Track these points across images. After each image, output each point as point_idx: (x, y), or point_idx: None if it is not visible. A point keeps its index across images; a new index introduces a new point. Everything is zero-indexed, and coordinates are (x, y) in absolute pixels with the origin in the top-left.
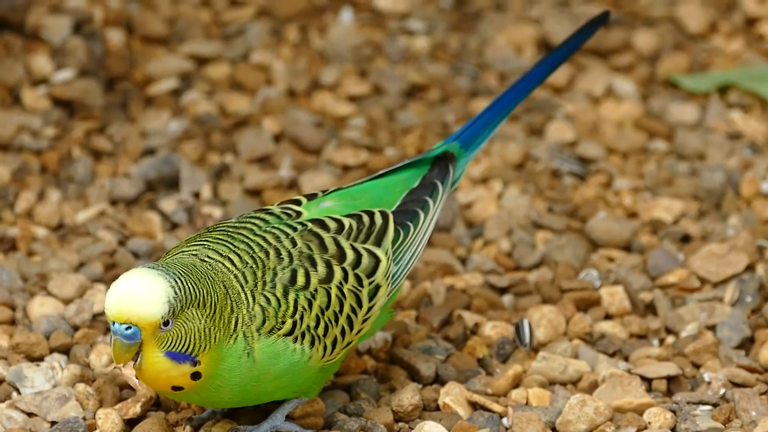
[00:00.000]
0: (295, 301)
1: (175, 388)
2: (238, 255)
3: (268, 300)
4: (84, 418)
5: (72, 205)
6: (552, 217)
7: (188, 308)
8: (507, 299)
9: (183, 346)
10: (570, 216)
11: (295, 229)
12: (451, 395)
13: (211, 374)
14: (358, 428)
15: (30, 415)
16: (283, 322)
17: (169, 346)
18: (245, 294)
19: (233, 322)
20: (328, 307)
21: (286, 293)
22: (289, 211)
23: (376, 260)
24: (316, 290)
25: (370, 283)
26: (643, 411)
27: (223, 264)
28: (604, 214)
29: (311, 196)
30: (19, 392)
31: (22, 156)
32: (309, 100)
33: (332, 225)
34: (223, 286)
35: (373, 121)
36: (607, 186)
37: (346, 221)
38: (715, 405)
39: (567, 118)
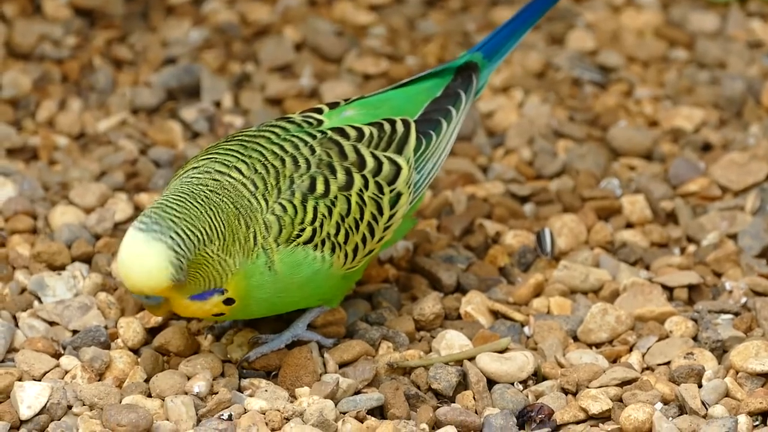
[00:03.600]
0: (315, 209)
1: (216, 315)
2: (246, 164)
3: (284, 208)
4: (106, 327)
5: (93, 114)
6: (573, 125)
7: (195, 254)
8: (528, 208)
9: (203, 286)
10: (591, 125)
11: (314, 137)
12: (473, 304)
13: (241, 295)
14: (380, 337)
15: (52, 323)
16: (302, 230)
17: (190, 291)
18: (257, 200)
19: (251, 238)
20: (348, 214)
21: (304, 201)
22: (310, 119)
23: (397, 168)
24: (336, 197)
25: (391, 191)
26: (665, 320)
27: (230, 175)
28: (625, 123)
29: (333, 105)
30: (40, 301)
31: (44, 65)
32: (329, 9)
33: (353, 133)
34: (231, 204)
35: (393, 30)
36: (628, 95)
37: (367, 129)
38: (736, 314)
39: (588, 26)
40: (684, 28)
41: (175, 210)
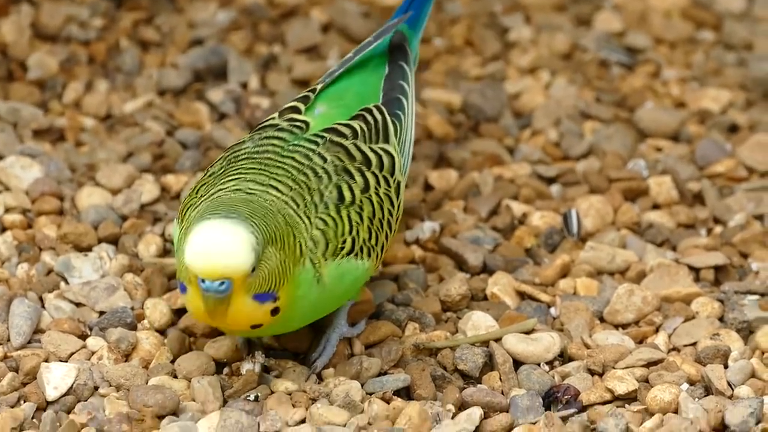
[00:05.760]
0: (349, 218)
1: (254, 327)
2: (279, 181)
3: (325, 222)
4: (132, 308)
5: (120, 95)
6: (600, 106)
7: (264, 248)
8: (555, 189)
9: (267, 286)
10: (618, 106)
11: (316, 143)
12: (499, 285)
13: (287, 306)
14: (406, 318)
15: (78, 305)
16: (344, 242)
17: (256, 289)
18: (299, 217)
19: (298, 247)
20: (374, 215)
21: (339, 212)
22: (298, 124)
23: (391, 157)
24: (361, 201)
25: (394, 182)
26: (691, 300)
27: (269, 193)
28: (652, 104)
29: (304, 99)
30: (67, 282)
31: (70, 47)
32: None
33: (347, 131)
34: (280, 214)
35: None
36: (655, 76)
37: (356, 125)
38: (762, 294)
39: (615, 8)
40: (711, 9)
41: (242, 207)
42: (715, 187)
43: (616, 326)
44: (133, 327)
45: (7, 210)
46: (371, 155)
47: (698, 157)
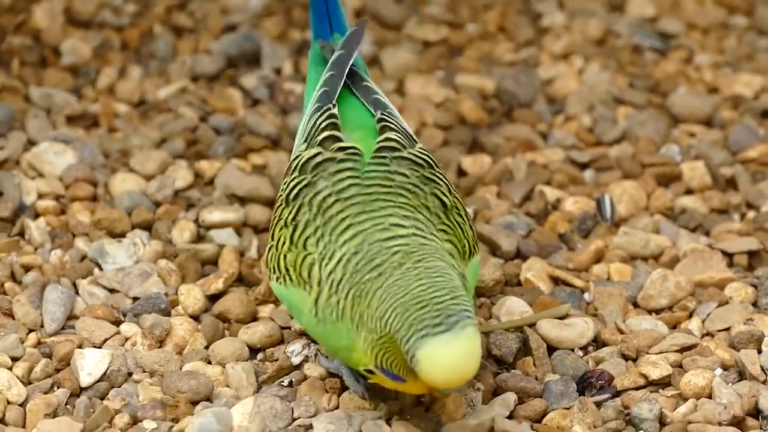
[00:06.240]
0: (456, 221)
1: None
2: (395, 215)
3: (445, 231)
4: (166, 294)
5: (153, 81)
6: (633, 92)
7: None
8: (588, 174)
9: None
10: (651, 91)
11: (385, 164)
12: (533, 270)
13: None
14: None
15: (112, 291)
16: (465, 245)
17: None
18: (430, 240)
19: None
20: (464, 210)
21: (448, 218)
22: (351, 152)
23: (427, 154)
24: (454, 202)
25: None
26: (725, 286)
27: (398, 234)
28: (685, 90)
29: (334, 126)
30: (101, 268)
31: (104, 32)
32: None
33: (396, 144)
34: (431, 255)
35: None
36: (688, 61)
37: (393, 136)
38: None
39: None
40: None
41: (438, 287)
42: (748, 173)
43: (650, 311)
44: (167, 313)
45: (41, 196)
46: (425, 157)
47: (731, 142)
